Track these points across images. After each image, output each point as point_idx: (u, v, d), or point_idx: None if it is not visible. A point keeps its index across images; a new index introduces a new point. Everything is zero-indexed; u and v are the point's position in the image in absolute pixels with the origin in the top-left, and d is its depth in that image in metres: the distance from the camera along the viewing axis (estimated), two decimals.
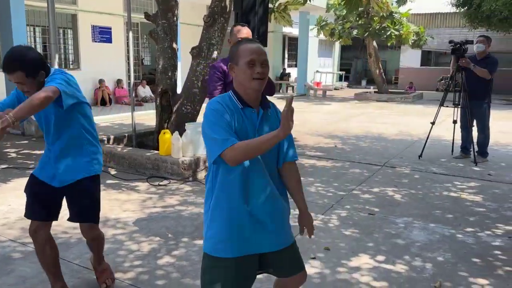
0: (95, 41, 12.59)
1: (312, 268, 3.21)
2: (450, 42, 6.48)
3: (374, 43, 17.37)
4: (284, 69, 20.45)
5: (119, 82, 13.21)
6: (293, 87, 19.54)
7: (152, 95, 13.15)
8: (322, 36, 18.92)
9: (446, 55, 22.79)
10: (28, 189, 2.65)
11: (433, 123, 6.72)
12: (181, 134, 5.57)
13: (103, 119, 10.05)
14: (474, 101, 6.40)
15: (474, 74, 6.29)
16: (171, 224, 4.03)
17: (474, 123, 6.60)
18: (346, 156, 6.89)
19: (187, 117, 6.11)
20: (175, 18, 6.33)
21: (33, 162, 6.21)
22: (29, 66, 2.36)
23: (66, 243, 3.54)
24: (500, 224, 4.14)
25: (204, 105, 6.42)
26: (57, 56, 6.68)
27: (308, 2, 8.77)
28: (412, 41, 17.35)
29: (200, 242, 3.65)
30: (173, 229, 3.93)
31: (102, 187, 4.90)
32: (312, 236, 2.24)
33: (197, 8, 14.33)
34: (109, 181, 5.28)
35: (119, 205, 4.53)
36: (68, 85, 2.41)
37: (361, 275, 3.14)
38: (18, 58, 2.35)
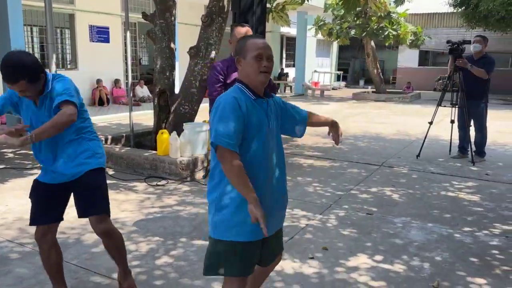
0: (93, 41, 12.57)
1: (310, 268, 3.21)
2: (448, 42, 6.49)
3: (372, 43, 17.40)
4: (282, 69, 20.46)
5: (116, 82, 13.20)
6: (291, 87, 19.55)
7: (150, 95, 13.15)
8: (320, 36, 18.95)
9: (444, 55, 22.83)
10: (32, 194, 2.62)
11: (431, 123, 6.74)
12: (179, 134, 5.57)
13: (100, 119, 10.03)
14: (471, 101, 6.42)
15: (472, 74, 6.30)
16: (169, 224, 4.03)
17: (472, 123, 6.61)
18: (344, 156, 6.89)
19: (185, 117, 6.10)
20: (173, 18, 6.33)
21: (30, 162, 6.20)
22: (31, 73, 2.32)
23: (64, 243, 3.53)
24: (497, 224, 4.15)
25: (202, 105, 6.45)
26: (54, 56, 6.66)
27: (306, 2, 8.77)
28: (410, 41, 17.38)
29: (199, 242, 3.65)
30: (171, 229, 3.92)
31: None
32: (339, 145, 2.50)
33: (195, 8, 14.33)
34: (107, 181, 5.25)
35: (117, 205, 4.52)
36: (77, 95, 2.46)
37: (359, 274, 3.14)
38: (19, 66, 2.29)
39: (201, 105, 6.40)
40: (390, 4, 16.38)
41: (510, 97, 17.65)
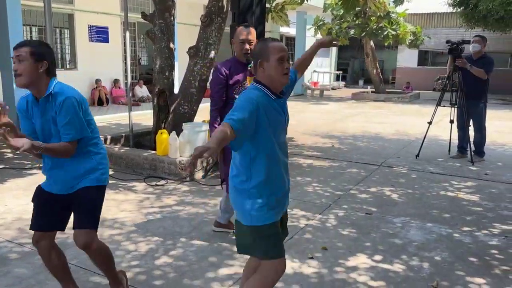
0: (92, 41, 12.56)
1: (309, 267, 3.21)
2: (447, 42, 6.49)
3: (371, 43, 17.40)
4: None
5: (116, 82, 13.19)
6: None
7: (149, 95, 13.14)
8: (319, 36, 18.92)
9: (443, 55, 22.84)
10: (34, 199, 2.61)
11: (430, 123, 6.74)
12: (178, 134, 5.57)
13: (100, 119, 10.02)
14: (470, 101, 6.42)
15: (471, 74, 6.30)
16: (168, 224, 4.02)
17: (471, 122, 6.62)
18: (344, 156, 6.89)
19: (185, 117, 6.10)
20: (172, 18, 6.33)
21: (29, 162, 6.19)
22: (37, 48, 2.36)
23: (63, 243, 3.52)
24: (496, 224, 4.15)
25: (201, 105, 6.45)
26: None
27: (305, 1, 8.77)
28: (409, 41, 17.37)
29: (198, 242, 3.65)
30: (171, 229, 3.92)
31: None
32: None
33: (194, 8, 14.32)
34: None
35: (116, 205, 4.52)
36: (77, 117, 2.39)
37: (359, 274, 3.14)
38: (31, 40, 2.44)
39: (201, 105, 6.40)
40: (389, 4, 16.39)
41: (509, 97, 17.66)
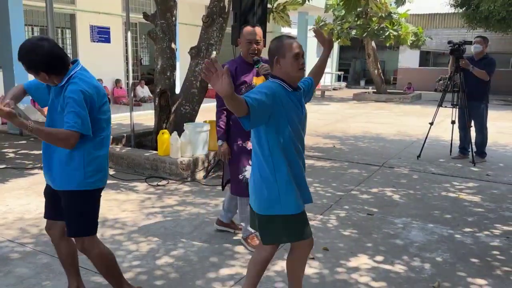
0: (94, 41, 12.57)
1: (311, 268, 3.21)
2: (449, 42, 6.48)
3: (373, 44, 17.38)
4: None
5: (117, 82, 13.20)
6: None
7: (151, 95, 13.15)
8: None
9: (445, 55, 22.82)
10: (45, 188, 2.61)
11: (431, 124, 6.73)
12: (179, 134, 5.57)
13: None
14: (472, 102, 6.42)
15: (472, 75, 6.30)
16: (169, 225, 4.03)
17: (472, 123, 6.61)
18: (345, 156, 6.89)
19: (186, 117, 6.10)
20: (173, 18, 6.33)
21: (31, 162, 6.20)
22: (28, 62, 2.28)
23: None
24: (498, 225, 4.15)
25: (203, 106, 6.45)
26: None
27: (306, 2, 8.76)
28: (411, 42, 17.35)
29: (199, 242, 3.65)
30: (172, 229, 3.92)
31: None
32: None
33: (196, 8, 14.33)
34: (107, 181, 5.26)
35: (117, 205, 4.52)
36: (83, 110, 2.26)
37: (360, 275, 3.14)
38: (20, 50, 2.29)
39: (202, 105, 6.40)
40: (391, 4, 16.37)
41: (511, 97, 17.63)
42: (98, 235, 3.58)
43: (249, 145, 3.44)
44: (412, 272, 3.20)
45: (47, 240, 3.56)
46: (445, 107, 6.60)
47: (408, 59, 23.51)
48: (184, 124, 5.80)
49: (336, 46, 24.22)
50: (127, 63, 7.52)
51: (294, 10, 9.99)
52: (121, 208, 4.45)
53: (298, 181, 2.40)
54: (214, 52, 5.99)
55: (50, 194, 2.54)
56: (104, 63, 12.55)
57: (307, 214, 2.55)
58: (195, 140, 5.63)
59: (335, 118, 11.59)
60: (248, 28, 3.43)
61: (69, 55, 12.55)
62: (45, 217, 2.61)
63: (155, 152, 5.80)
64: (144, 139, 6.93)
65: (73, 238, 2.55)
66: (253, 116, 2.09)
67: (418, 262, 3.35)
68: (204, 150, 5.74)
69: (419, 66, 24.01)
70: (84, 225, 2.46)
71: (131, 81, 7.03)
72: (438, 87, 20.64)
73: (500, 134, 8.89)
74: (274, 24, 11.35)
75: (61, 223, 2.55)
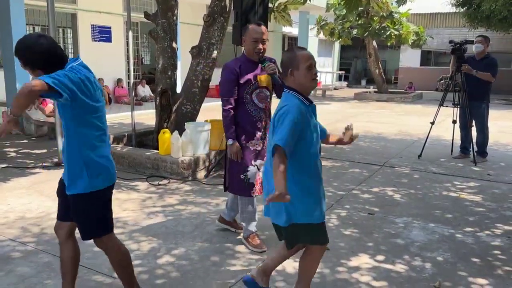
0: (95, 41, 12.58)
1: None
2: (450, 42, 6.48)
3: (374, 43, 17.37)
4: None
5: (119, 81, 13.21)
6: None
7: (152, 95, 13.16)
8: (321, 35, 18.92)
9: (446, 55, 22.79)
10: (58, 189, 2.59)
11: (432, 123, 6.73)
12: (180, 134, 5.57)
13: None
14: (473, 101, 6.41)
15: (473, 74, 6.30)
16: (170, 224, 4.03)
17: (473, 123, 6.60)
18: (346, 155, 6.88)
19: (187, 117, 6.11)
20: (174, 18, 6.33)
21: (32, 161, 6.21)
22: (25, 59, 2.27)
23: None
24: (499, 224, 4.14)
25: (204, 105, 6.45)
26: None
27: (307, 1, 8.76)
28: (412, 41, 17.34)
29: (200, 241, 3.65)
30: (173, 228, 3.93)
31: None
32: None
33: (197, 7, 14.33)
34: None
35: (118, 204, 4.53)
36: (64, 74, 2.20)
37: (361, 274, 3.14)
38: (16, 47, 2.28)
39: (203, 105, 6.41)
40: (392, 4, 16.36)
41: None
42: None
43: (253, 145, 3.44)
44: (413, 272, 3.20)
45: (48, 239, 3.57)
46: (446, 106, 6.60)
47: (409, 58, 23.49)
48: (185, 123, 5.80)
49: (337, 46, 24.25)
50: (128, 63, 7.54)
51: (295, 9, 9.99)
52: (122, 207, 4.45)
53: (320, 186, 2.54)
54: (215, 51, 5.99)
55: (64, 195, 2.48)
56: (105, 62, 12.56)
57: None
58: (196, 140, 5.63)
59: (336, 117, 11.58)
60: (254, 27, 3.37)
61: (70, 54, 12.58)
62: (57, 218, 2.59)
63: (156, 151, 5.81)
64: (145, 139, 6.94)
65: (78, 242, 2.55)
66: (289, 152, 2.29)
67: (419, 262, 3.35)
68: (205, 149, 5.74)
69: (420, 65, 23.99)
70: (96, 227, 2.47)
71: (132, 80, 7.04)
72: (439, 86, 20.61)
73: (501, 133, 8.88)
74: (275, 24, 11.36)
75: (69, 223, 2.55)
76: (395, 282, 3.04)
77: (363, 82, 25.47)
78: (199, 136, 5.65)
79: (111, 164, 2.54)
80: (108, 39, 12.93)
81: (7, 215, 4.19)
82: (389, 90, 18.74)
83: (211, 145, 5.86)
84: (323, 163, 6.40)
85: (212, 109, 9.99)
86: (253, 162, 3.45)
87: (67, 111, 2.30)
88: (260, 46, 3.34)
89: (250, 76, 3.37)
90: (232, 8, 5.82)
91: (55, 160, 6.15)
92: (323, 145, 2.81)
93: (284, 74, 2.47)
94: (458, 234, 3.90)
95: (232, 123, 3.39)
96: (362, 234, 3.85)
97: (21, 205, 4.44)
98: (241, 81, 3.34)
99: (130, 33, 6.70)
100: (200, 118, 6.45)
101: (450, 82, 6.65)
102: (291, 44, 21.26)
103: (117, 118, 10.41)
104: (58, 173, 2.68)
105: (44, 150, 6.83)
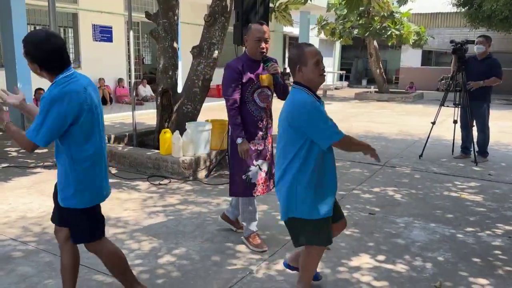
0: (96, 40, 12.59)
1: None
2: (451, 42, 6.47)
3: (375, 43, 17.36)
4: (285, 68, 20.43)
5: (120, 81, 13.22)
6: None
7: (153, 94, 13.15)
8: (322, 35, 18.91)
9: (447, 55, 22.78)
10: (54, 193, 2.59)
11: (433, 123, 6.72)
12: (181, 134, 5.58)
13: (103, 118, 10.04)
14: (474, 101, 6.40)
15: (475, 75, 6.31)
16: (171, 223, 4.03)
17: (474, 123, 6.60)
18: (347, 155, 6.87)
19: (188, 117, 6.11)
20: (176, 18, 6.33)
21: (33, 161, 6.21)
22: (28, 50, 2.26)
23: None
24: (500, 224, 4.14)
25: (205, 105, 6.45)
26: None
27: (308, 1, 8.76)
28: (413, 41, 17.32)
29: (201, 241, 3.65)
30: (174, 228, 3.93)
31: None
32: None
33: (198, 7, 14.33)
34: (110, 180, 5.24)
35: (119, 204, 4.53)
36: (45, 118, 2.17)
37: (362, 274, 3.14)
38: (25, 38, 2.29)
39: (204, 105, 6.41)
40: (393, 3, 16.35)
41: None
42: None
43: (254, 145, 3.44)
44: (413, 272, 3.20)
45: (49, 239, 3.58)
46: (447, 106, 6.59)
47: (410, 58, 23.47)
48: (186, 123, 5.80)
49: (338, 46, 24.25)
50: (129, 62, 7.54)
51: (296, 9, 9.99)
52: (123, 207, 4.46)
53: (335, 180, 2.62)
54: (216, 51, 6.00)
55: (55, 196, 2.50)
56: (106, 62, 12.58)
57: None
58: (197, 139, 5.64)
59: (337, 117, 11.54)
60: (257, 26, 3.38)
61: (71, 54, 12.60)
62: (53, 222, 2.59)
63: (157, 151, 5.81)
64: (146, 138, 6.94)
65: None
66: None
67: (420, 262, 3.35)
68: (206, 149, 5.75)
69: (421, 65, 23.97)
70: (84, 234, 2.47)
71: (133, 80, 7.03)
72: (440, 86, 20.59)
73: (502, 133, 8.87)
74: (276, 23, 11.37)
75: (64, 229, 2.54)
76: (396, 282, 3.04)
77: (364, 82, 25.43)
78: (200, 136, 5.66)
79: (101, 183, 2.48)
80: (109, 39, 12.94)
81: (8, 214, 4.19)
82: (390, 90, 18.72)
83: (212, 145, 5.86)
84: None
85: (213, 109, 9.99)
86: (254, 162, 3.45)
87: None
88: (263, 45, 3.34)
89: (252, 75, 3.37)
90: (233, 8, 5.82)
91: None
92: None
93: (292, 71, 2.52)
94: (459, 234, 3.90)
95: (240, 122, 3.37)
96: (363, 234, 3.85)
97: (22, 204, 4.45)
98: (243, 80, 3.35)
99: (131, 33, 6.70)
100: (201, 118, 6.45)
101: (451, 82, 6.64)
102: (292, 44, 21.28)
103: (118, 118, 10.42)
104: None
105: (45, 150, 6.83)
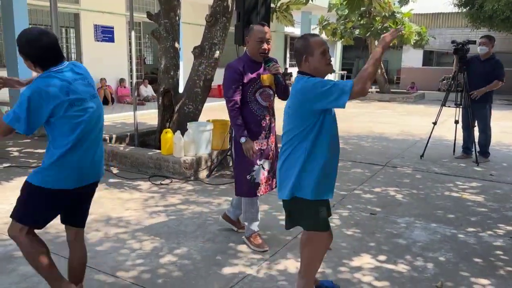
0: (98, 41, 12.61)
1: None
2: (453, 42, 6.47)
3: (376, 43, 17.36)
4: (286, 68, 20.46)
5: (121, 81, 13.23)
6: None
7: (154, 95, 13.17)
8: (324, 36, 18.90)
9: (448, 55, 22.75)
10: None
11: (435, 123, 6.72)
12: (183, 134, 5.58)
13: (105, 118, 10.03)
14: (476, 102, 6.40)
15: (477, 75, 6.30)
16: (173, 223, 4.04)
17: (476, 123, 6.59)
18: (348, 155, 6.88)
19: (189, 117, 6.11)
20: (177, 18, 6.34)
21: (35, 161, 6.22)
22: (21, 47, 2.37)
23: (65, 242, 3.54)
24: (501, 224, 4.14)
25: (206, 105, 6.46)
26: None
27: (310, 1, 8.76)
28: (414, 41, 17.31)
29: (202, 241, 3.65)
30: (175, 228, 3.94)
31: (104, 186, 4.94)
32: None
33: (199, 7, 14.35)
34: (111, 180, 5.29)
35: (121, 204, 4.54)
36: (20, 107, 2.20)
37: (363, 274, 3.14)
38: (20, 35, 2.39)
39: (205, 105, 6.41)
40: (394, 4, 16.34)
41: None
42: (102, 233, 3.60)
43: (257, 144, 3.44)
44: (415, 272, 3.20)
45: (50, 239, 3.58)
46: (449, 106, 6.59)
47: (412, 58, 23.46)
48: (188, 123, 5.81)
49: (339, 46, 24.23)
50: (130, 63, 7.55)
51: (297, 9, 10.00)
52: (124, 206, 4.46)
53: (336, 168, 2.62)
54: (218, 52, 6.00)
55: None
56: (107, 62, 12.59)
57: None
58: (198, 139, 5.64)
59: (338, 117, 11.54)
60: (259, 27, 3.38)
61: (73, 54, 12.62)
62: (60, 220, 2.64)
63: (158, 151, 5.82)
64: (147, 138, 6.95)
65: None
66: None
67: (421, 262, 3.35)
68: (207, 149, 5.75)
69: (423, 65, 23.95)
70: (20, 211, 2.53)
71: (134, 80, 7.05)
72: (441, 86, 20.59)
73: (504, 133, 8.86)
74: (278, 24, 11.37)
75: (69, 227, 2.60)
76: (397, 282, 3.04)
77: None
78: (201, 136, 5.66)
79: (80, 170, 2.42)
80: (111, 39, 12.96)
81: (9, 214, 4.19)
82: (391, 90, 18.72)
83: (213, 144, 5.87)
84: None
85: (214, 109, 10.01)
86: (258, 162, 3.45)
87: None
88: (265, 46, 3.35)
89: (253, 75, 3.37)
90: (234, 8, 5.83)
91: None
92: None
93: (298, 61, 2.55)
94: (460, 234, 3.90)
95: (242, 122, 3.37)
96: (364, 234, 3.85)
97: None
98: (245, 81, 3.35)
99: (133, 33, 6.72)
100: (202, 118, 6.45)
101: (452, 82, 6.64)
102: (293, 44, 21.27)
103: (119, 118, 10.43)
104: None
105: None
